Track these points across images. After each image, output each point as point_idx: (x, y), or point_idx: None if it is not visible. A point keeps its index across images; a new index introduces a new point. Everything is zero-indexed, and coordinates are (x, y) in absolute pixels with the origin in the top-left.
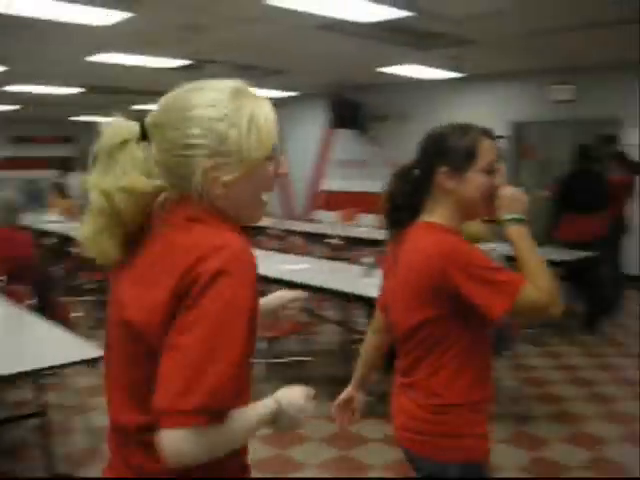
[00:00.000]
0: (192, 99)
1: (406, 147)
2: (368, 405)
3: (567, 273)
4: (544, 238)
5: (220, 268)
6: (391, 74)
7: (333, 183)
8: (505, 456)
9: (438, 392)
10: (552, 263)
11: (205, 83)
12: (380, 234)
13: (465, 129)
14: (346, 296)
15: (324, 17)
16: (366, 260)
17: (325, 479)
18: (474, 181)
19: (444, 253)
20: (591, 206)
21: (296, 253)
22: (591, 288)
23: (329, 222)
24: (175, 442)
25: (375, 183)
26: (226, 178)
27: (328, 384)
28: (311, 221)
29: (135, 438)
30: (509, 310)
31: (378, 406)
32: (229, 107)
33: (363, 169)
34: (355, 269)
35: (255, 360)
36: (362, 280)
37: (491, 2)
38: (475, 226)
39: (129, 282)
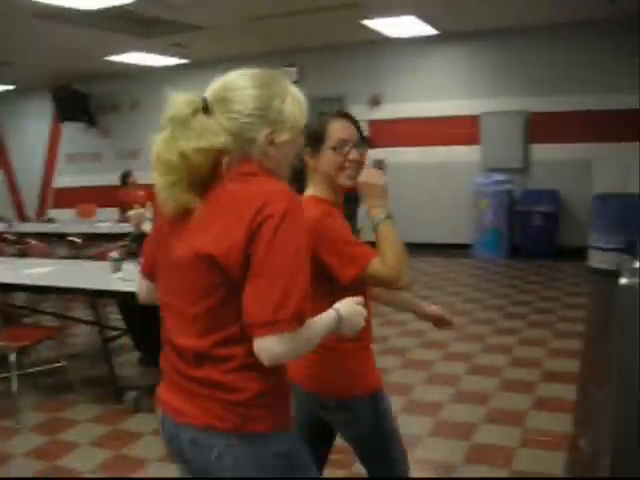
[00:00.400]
0: (249, 81)
1: (139, 136)
2: (134, 401)
3: None
4: None
5: (286, 208)
6: (119, 62)
7: (66, 179)
8: None
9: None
10: None
11: (254, 70)
12: (121, 228)
13: (320, 114)
14: (97, 294)
15: (41, 4)
16: (113, 255)
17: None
18: (325, 158)
19: (309, 227)
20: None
21: (36, 256)
22: None
23: (67, 220)
24: (273, 345)
25: (110, 176)
26: (280, 140)
27: (89, 386)
28: (47, 221)
29: (190, 356)
30: (356, 277)
31: (144, 400)
32: (277, 87)
33: (96, 162)
34: (102, 265)
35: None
36: (111, 275)
37: None
38: None
39: (198, 227)
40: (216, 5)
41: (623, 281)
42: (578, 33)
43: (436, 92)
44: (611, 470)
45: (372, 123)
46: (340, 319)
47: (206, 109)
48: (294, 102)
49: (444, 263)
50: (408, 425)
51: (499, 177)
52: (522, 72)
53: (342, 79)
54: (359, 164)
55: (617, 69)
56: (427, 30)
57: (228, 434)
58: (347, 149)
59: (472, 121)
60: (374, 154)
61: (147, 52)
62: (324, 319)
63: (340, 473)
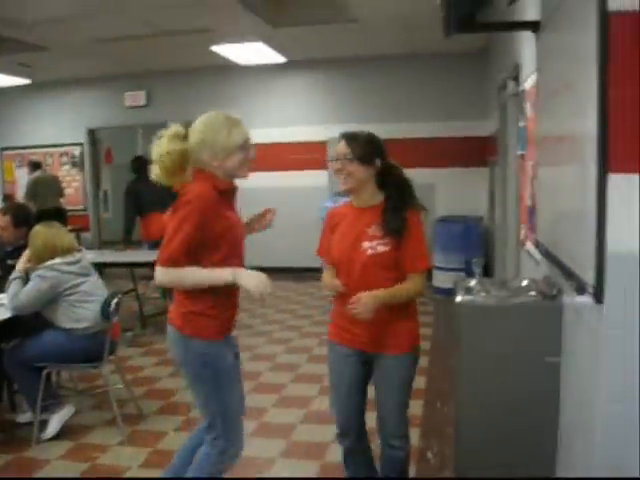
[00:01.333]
0: (200, 123)
1: None
2: None
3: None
4: (125, 240)
5: (189, 199)
6: None
7: None
8: (125, 457)
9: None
10: (138, 264)
11: (210, 113)
12: None
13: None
14: None
15: None
16: None
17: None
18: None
19: None
20: (160, 203)
21: None
22: None
23: None
24: (157, 273)
25: None
26: (217, 159)
27: None
28: None
29: None
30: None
31: None
32: (217, 125)
33: None
34: None
35: None
36: None
37: (59, 8)
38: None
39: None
40: (63, 25)
41: (458, 299)
42: (424, 64)
43: (285, 118)
44: (456, 477)
45: None
46: (235, 274)
47: (185, 136)
48: (228, 134)
49: (296, 287)
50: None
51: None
52: (369, 99)
53: (191, 104)
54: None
55: (461, 98)
56: (276, 57)
57: (175, 330)
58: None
59: (320, 147)
60: None
61: None
62: (212, 271)
63: None
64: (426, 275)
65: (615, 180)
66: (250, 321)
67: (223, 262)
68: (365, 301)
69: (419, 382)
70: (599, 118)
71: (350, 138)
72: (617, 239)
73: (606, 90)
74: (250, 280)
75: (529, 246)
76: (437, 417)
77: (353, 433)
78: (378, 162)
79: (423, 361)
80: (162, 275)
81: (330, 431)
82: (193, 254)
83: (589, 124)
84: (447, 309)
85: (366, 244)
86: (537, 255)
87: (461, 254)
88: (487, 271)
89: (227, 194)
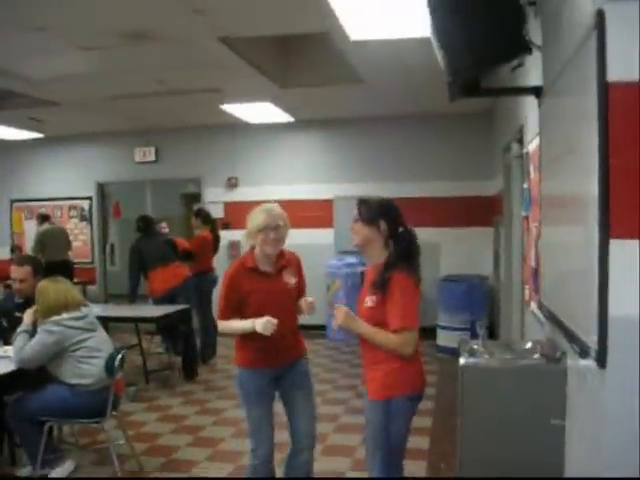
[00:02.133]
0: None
1: None
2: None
3: (160, 327)
4: (132, 297)
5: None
6: None
7: None
8: None
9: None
10: (143, 319)
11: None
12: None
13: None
14: None
15: None
16: None
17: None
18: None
19: None
20: (162, 259)
21: None
22: (184, 338)
23: None
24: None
25: None
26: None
27: None
28: None
29: None
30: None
31: None
32: (251, 217)
33: None
34: None
35: None
36: None
37: (72, 66)
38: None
39: None
40: (76, 83)
41: (462, 361)
42: (430, 124)
43: (293, 176)
44: None
45: (228, 205)
46: (255, 323)
47: None
48: (255, 219)
49: None
50: None
51: (351, 259)
52: (375, 159)
53: (200, 161)
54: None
55: (466, 159)
56: (284, 117)
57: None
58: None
59: (327, 205)
60: (230, 236)
61: (1, 124)
62: (243, 322)
63: None
64: (414, 337)
65: (617, 245)
66: None
67: (253, 316)
68: (341, 314)
69: (422, 443)
70: (600, 184)
71: (361, 202)
72: (619, 303)
73: (607, 157)
74: (260, 324)
75: (533, 307)
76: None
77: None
78: (383, 224)
79: (426, 422)
80: (219, 326)
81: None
82: (237, 311)
83: (591, 189)
84: (451, 369)
85: (367, 298)
86: (541, 316)
87: (466, 313)
88: (492, 330)
89: (254, 270)
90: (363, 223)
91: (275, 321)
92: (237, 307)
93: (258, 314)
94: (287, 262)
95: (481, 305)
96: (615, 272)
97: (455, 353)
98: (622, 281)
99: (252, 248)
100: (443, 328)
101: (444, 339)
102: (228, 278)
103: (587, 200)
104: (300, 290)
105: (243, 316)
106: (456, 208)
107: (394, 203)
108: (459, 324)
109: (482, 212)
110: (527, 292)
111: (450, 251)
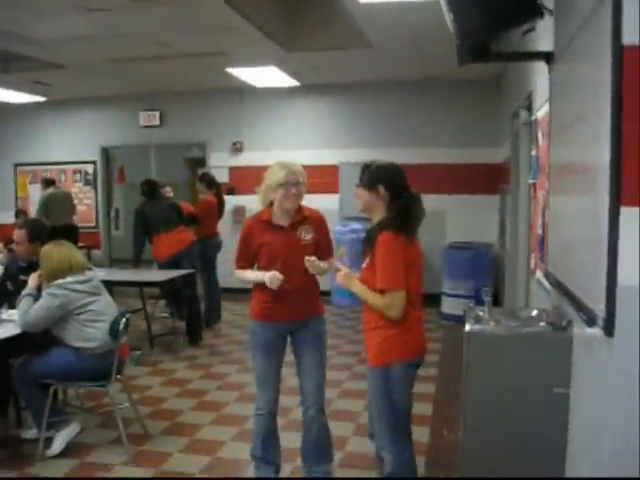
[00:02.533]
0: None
1: None
2: None
3: (165, 291)
4: (136, 262)
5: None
6: None
7: None
8: (131, 477)
9: None
10: (148, 284)
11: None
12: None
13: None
14: None
15: None
16: None
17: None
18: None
19: None
20: (166, 224)
21: None
22: (188, 303)
23: None
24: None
25: None
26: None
27: None
28: None
29: None
30: None
31: None
32: (270, 172)
33: None
34: None
35: None
36: None
37: (78, 28)
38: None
39: None
40: (81, 45)
41: (467, 328)
42: (437, 90)
43: (298, 141)
44: None
45: (233, 170)
46: (265, 275)
47: None
48: (274, 175)
49: None
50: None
51: (356, 226)
52: (381, 124)
53: (205, 125)
54: None
55: (473, 125)
56: (289, 81)
57: None
58: None
59: (332, 171)
60: (235, 201)
61: (5, 88)
62: (254, 273)
63: None
64: (399, 299)
65: (627, 213)
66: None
67: (265, 268)
68: (340, 273)
69: (425, 409)
70: (612, 151)
71: (363, 166)
72: (628, 272)
73: (620, 123)
74: (267, 277)
75: (539, 275)
76: (444, 445)
77: None
78: (382, 189)
79: (429, 388)
80: (235, 274)
81: (338, 455)
82: (252, 261)
83: (602, 157)
84: (455, 336)
85: (363, 263)
86: (547, 285)
87: (470, 281)
88: (496, 298)
89: (267, 222)
90: (364, 188)
91: (281, 276)
92: (251, 258)
93: (269, 267)
94: (304, 218)
95: (486, 273)
96: (624, 240)
97: (459, 320)
98: (631, 249)
99: (271, 203)
100: (447, 295)
101: (448, 306)
102: (243, 229)
103: (597, 167)
104: (321, 248)
105: (257, 268)
106: (462, 175)
107: (398, 167)
108: (464, 291)
109: (488, 180)
110: (533, 260)
111: (455, 218)
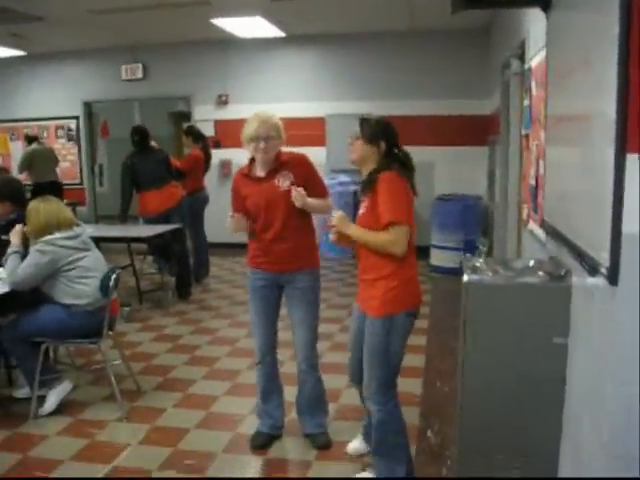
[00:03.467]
0: None
1: None
2: None
3: (153, 247)
4: (123, 218)
5: None
6: None
7: None
8: (124, 434)
9: None
10: (136, 239)
11: None
12: None
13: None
14: None
15: None
16: None
17: (317, 479)
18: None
19: None
20: (157, 180)
21: None
22: (178, 258)
23: None
24: None
25: None
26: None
27: None
28: None
29: None
30: None
31: None
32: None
33: None
34: None
35: None
36: None
37: None
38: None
39: None
40: None
41: (466, 278)
42: (424, 40)
43: (284, 93)
44: (458, 457)
45: (219, 123)
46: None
47: None
48: (244, 131)
49: None
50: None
51: (344, 178)
52: (368, 76)
53: (189, 78)
54: None
55: (461, 76)
56: (275, 32)
57: None
58: None
59: (318, 123)
60: (221, 154)
61: None
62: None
63: None
64: (404, 233)
65: (633, 160)
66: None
67: (252, 220)
68: (336, 217)
69: (418, 361)
70: (618, 98)
71: (363, 120)
72: (633, 220)
73: (627, 69)
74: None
75: (532, 226)
76: (437, 396)
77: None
78: (382, 144)
79: (421, 340)
80: None
81: (332, 407)
82: (244, 213)
83: (607, 103)
84: (444, 288)
85: (360, 210)
86: (541, 235)
87: (459, 233)
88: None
89: (247, 176)
90: (364, 141)
91: (229, 222)
92: (242, 210)
93: (255, 218)
94: (281, 165)
95: (475, 225)
96: (630, 188)
97: (448, 272)
98: (636, 197)
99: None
100: (436, 247)
101: (437, 259)
102: (232, 182)
103: (601, 114)
104: (308, 189)
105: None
106: (450, 127)
107: (392, 124)
108: (453, 244)
109: (477, 131)
110: (525, 211)
111: (444, 170)
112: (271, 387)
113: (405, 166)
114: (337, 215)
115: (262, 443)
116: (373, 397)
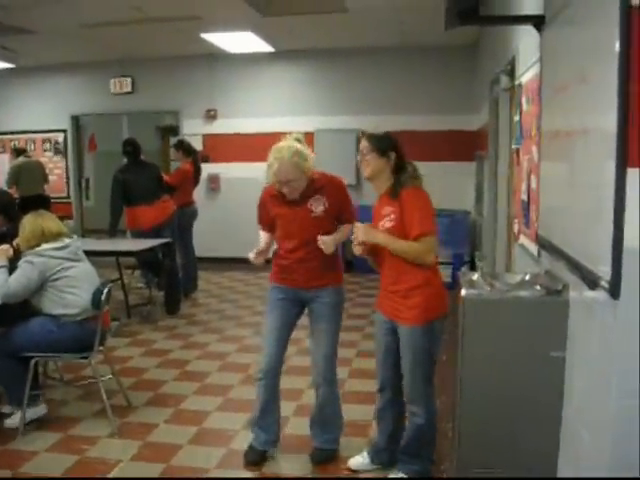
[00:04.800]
0: None
1: None
2: None
3: (142, 262)
4: (112, 232)
5: None
6: None
7: None
8: (116, 450)
9: None
10: (126, 253)
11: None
12: None
13: None
14: None
15: None
16: None
17: (313, 478)
18: None
19: None
20: (148, 196)
21: None
22: (167, 273)
23: None
24: None
25: None
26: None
27: None
28: None
29: None
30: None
31: None
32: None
33: None
34: None
35: None
36: None
37: None
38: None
39: None
40: (50, 8)
41: (463, 292)
42: (413, 57)
43: (273, 108)
44: (456, 471)
45: (207, 137)
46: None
47: None
48: (266, 169)
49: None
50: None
51: None
52: (357, 91)
53: (178, 92)
54: None
55: (449, 92)
56: (264, 47)
57: None
58: None
59: (308, 138)
60: (210, 169)
61: None
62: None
63: None
64: (434, 242)
65: (634, 175)
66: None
67: (280, 239)
68: (360, 229)
69: None
70: (619, 112)
71: (368, 135)
72: (634, 234)
73: (627, 85)
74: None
75: (523, 240)
76: None
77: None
78: (393, 155)
79: None
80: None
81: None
82: (270, 227)
83: (607, 118)
84: None
85: (381, 223)
86: (534, 249)
87: (448, 248)
88: (473, 265)
89: (277, 197)
90: (377, 154)
91: (253, 256)
92: (269, 223)
93: (284, 237)
94: (316, 190)
95: (464, 239)
96: (631, 202)
97: None
98: (637, 211)
99: None
100: None
101: None
102: (260, 197)
103: (601, 129)
104: (337, 216)
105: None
106: (438, 142)
107: (397, 137)
108: (441, 258)
109: (464, 146)
110: (516, 226)
111: (432, 185)
112: (271, 402)
113: (418, 176)
114: (360, 228)
115: (255, 459)
116: (420, 399)
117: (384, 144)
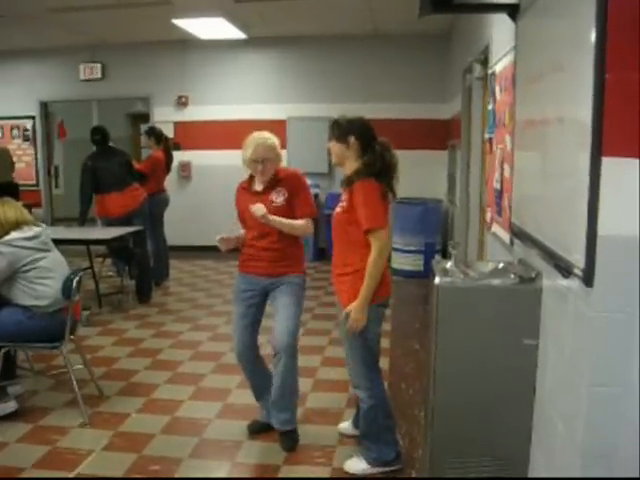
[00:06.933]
0: None
1: None
2: None
3: (112, 250)
4: (82, 221)
5: None
6: None
7: None
8: (88, 440)
9: None
10: (96, 242)
11: None
12: None
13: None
14: None
15: None
16: None
17: (315, 479)
18: None
19: None
20: (118, 183)
21: None
22: (138, 261)
23: None
24: None
25: None
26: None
27: None
28: None
29: None
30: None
31: None
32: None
33: None
34: None
35: None
36: None
37: None
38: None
39: None
40: None
41: (437, 280)
42: (386, 45)
43: (244, 95)
44: (429, 459)
45: (178, 125)
46: None
47: None
48: (244, 154)
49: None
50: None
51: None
52: (329, 79)
53: (149, 78)
54: None
55: (421, 81)
56: (236, 34)
57: None
58: None
59: (280, 125)
60: (181, 156)
61: None
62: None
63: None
64: (383, 235)
65: (608, 164)
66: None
67: (246, 228)
68: (353, 315)
69: (382, 364)
70: (594, 102)
71: (333, 122)
72: (607, 222)
73: (603, 73)
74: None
75: (496, 228)
76: (402, 399)
77: None
78: (352, 139)
79: (384, 343)
80: None
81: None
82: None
83: (582, 107)
84: (405, 291)
85: (337, 207)
86: (506, 238)
87: (420, 236)
88: (445, 254)
89: (246, 188)
90: (335, 141)
91: (218, 239)
92: (243, 218)
93: (248, 226)
94: (277, 182)
95: (435, 228)
96: (605, 191)
97: (409, 276)
98: (611, 199)
99: None
100: (397, 251)
101: (398, 262)
102: (235, 193)
103: (576, 118)
104: (293, 207)
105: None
106: (410, 131)
107: (366, 120)
108: (413, 247)
109: (436, 135)
110: (489, 214)
111: (404, 174)
112: (260, 383)
113: (384, 158)
114: (353, 316)
115: (256, 430)
116: (362, 382)
117: (343, 130)
